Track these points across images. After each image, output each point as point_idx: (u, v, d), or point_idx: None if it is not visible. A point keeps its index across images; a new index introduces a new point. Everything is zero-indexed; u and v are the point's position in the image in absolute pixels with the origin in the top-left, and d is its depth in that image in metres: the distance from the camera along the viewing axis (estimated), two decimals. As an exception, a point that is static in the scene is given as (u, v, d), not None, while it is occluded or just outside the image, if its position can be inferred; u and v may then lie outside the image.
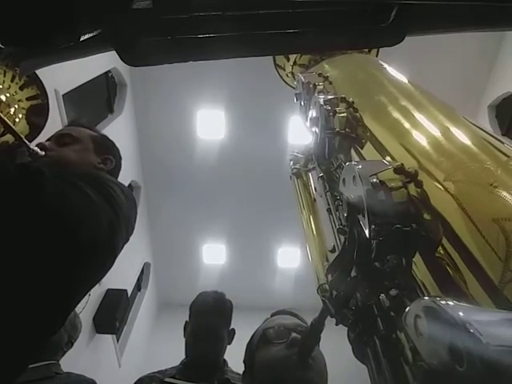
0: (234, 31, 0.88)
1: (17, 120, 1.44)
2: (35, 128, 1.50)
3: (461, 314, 0.38)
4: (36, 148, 1.07)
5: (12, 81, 1.34)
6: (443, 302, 0.40)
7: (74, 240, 0.78)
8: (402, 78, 1.08)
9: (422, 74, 3.71)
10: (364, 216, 0.59)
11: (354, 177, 0.62)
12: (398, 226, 0.56)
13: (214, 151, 6.16)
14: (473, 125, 0.75)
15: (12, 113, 1.39)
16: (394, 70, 1.22)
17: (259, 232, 6.53)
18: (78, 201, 0.80)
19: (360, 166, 0.61)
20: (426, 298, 0.43)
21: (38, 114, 1.56)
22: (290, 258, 6.92)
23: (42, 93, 1.54)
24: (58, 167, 1.03)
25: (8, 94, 1.36)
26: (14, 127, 1.09)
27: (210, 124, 6.08)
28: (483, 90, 5.52)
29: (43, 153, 1.07)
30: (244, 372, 1.19)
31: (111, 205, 0.88)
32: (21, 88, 1.40)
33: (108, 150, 1.21)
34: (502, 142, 0.65)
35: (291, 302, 2.03)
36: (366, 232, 0.59)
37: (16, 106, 1.41)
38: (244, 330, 1.66)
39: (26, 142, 1.07)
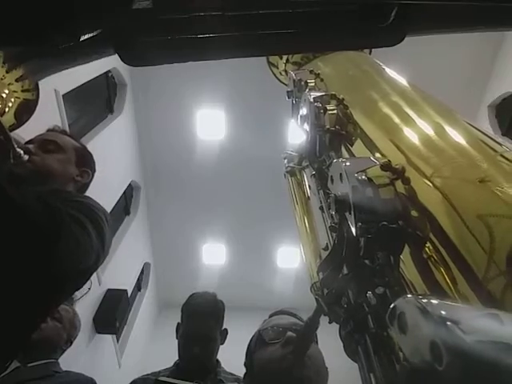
0: (234, 31, 0.88)
1: (10, 105, 1.41)
2: (19, 122, 1.49)
3: (443, 312, 0.37)
4: (20, 151, 1.05)
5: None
6: (425, 301, 0.39)
7: (68, 271, 0.86)
8: (396, 76, 1.07)
9: (422, 75, 3.69)
10: (351, 213, 0.59)
11: (340, 174, 0.61)
12: (385, 223, 0.56)
13: (214, 151, 6.15)
14: (465, 122, 0.74)
15: (4, 97, 1.36)
16: (393, 70, 1.21)
17: (259, 232, 6.51)
18: (81, 240, 0.87)
19: (347, 163, 0.60)
20: (409, 296, 0.43)
21: (26, 111, 1.55)
22: (290, 258, 6.90)
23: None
24: (39, 175, 1.06)
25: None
26: (5, 126, 1.08)
27: (210, 124, 6.08)
28: (483, 90, 5.50)
29: (27, 157, 1.06)
30: (245, 374, 1.18)
31: (101, 239, 0.95)
32: (7, 71, 1.36)
33: (87, 163, 1.22)
34: (493, 139, 0.64)
35: (291, 302, 2.02)
36: (353, 230, 0.59)
37: (7, 91, 1.38)
38: (244, 330, 1.65)
39: (14, 143, 1.05)
